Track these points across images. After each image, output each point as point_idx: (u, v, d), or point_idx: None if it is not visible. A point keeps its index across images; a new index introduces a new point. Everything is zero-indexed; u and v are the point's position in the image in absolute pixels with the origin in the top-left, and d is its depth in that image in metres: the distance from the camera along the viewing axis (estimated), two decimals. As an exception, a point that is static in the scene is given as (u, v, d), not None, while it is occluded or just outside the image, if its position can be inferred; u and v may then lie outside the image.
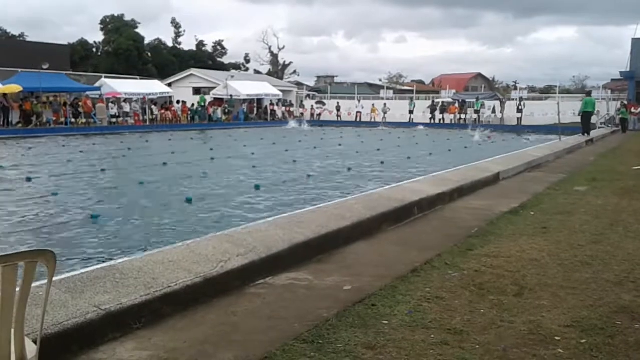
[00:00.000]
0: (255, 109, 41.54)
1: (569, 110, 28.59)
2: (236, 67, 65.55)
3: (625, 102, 32.95)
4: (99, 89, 32.38)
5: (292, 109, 44.09)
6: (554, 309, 3.81)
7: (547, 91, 59.00)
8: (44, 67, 28.82)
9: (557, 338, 3.33)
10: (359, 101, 42.17)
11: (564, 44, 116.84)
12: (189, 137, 26.83)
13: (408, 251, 5.44)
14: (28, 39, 53.28)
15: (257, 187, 10.63)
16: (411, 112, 38.40)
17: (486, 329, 3.48)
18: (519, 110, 35.07)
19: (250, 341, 3.35)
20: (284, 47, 73.69)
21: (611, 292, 4.14)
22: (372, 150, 19.12)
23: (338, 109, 41.34)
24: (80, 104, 30.77)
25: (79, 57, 53.60)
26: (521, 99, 37.13)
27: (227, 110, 37.71)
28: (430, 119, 37.48)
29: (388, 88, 56.05)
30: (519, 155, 13.51)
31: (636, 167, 12.20)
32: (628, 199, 8.23)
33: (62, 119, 29.34)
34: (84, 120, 30.46)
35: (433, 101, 40.40)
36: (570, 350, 3.17)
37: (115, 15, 57.43)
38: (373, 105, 40.77)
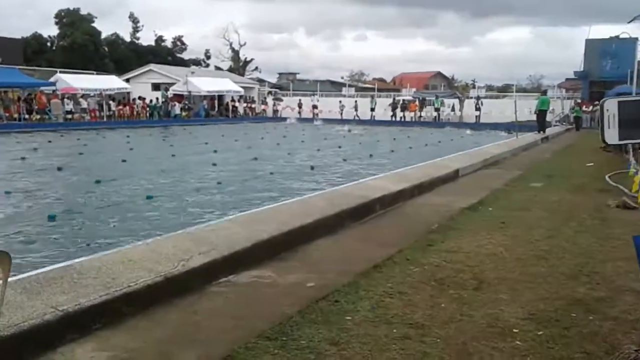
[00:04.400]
0: (217, 106, 41.17)
1: (525, 109, 29.31)
2: (196, 63, 64.64)
3: (579, 101, 34.05)
4: (53, 84, 31.50)
5: (253, 106, 43.98)
6: (512, 302, 3.90)
7: (504, 90, 60.26)
8: (-4, 61, 27.88)
9: (515, 330, 3.42)
10: (312, 97, 42.94)
11: (519, 44, 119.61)
12: (148, 133, 26.40)
13: (370, 247, 5.49)
14: (-22, 32, 51.37)
15: (219, 183, 10.55)
16: (372, 109, 38.82)
17: (447, 322, 3.54)
18: (477, 109, 35.81)
19: (212, 340, 3.33)
20: (245, 44, 73.05)
21: (566, 285, 4.27)
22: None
23: (300, 105, 41.49)
24: (34, 99, 29.87)
25: (32, 51, 51.95)
26: (479, 97, 37.88)
27: (186, 107, 37.22)
28: (392, 116, 38.10)
29: (350, 86, 56.36)
30: (477, 153, 13.78)
31: (589, 164, 12.60)
32: (582, 195, 8.49)
33: (16, 115, 28.43)
34: (38, 117, 29.61)
35: (394, 99, 40.90)
36: (527, 342, 3.26)
37: (71, 9, 55.82)
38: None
